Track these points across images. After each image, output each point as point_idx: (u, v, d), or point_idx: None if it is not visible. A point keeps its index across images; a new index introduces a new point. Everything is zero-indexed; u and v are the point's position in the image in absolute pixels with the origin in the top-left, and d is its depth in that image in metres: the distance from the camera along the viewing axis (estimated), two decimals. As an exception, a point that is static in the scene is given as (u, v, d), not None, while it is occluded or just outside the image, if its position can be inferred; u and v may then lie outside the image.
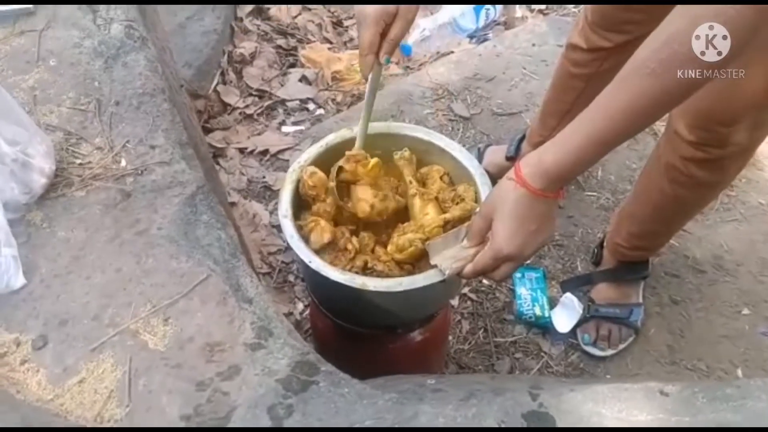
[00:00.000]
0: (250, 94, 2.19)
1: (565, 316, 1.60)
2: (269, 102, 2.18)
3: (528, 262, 1.67)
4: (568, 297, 1.62)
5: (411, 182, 1.05)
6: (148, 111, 1.08)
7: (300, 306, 1.67)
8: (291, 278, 1.72)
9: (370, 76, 0.99)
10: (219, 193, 1.35)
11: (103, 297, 0.87)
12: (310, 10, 2.50)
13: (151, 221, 0.95)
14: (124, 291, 0.88)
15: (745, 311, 1.61)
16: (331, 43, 2.42)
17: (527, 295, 1.63)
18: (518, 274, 1.66)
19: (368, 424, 0.76)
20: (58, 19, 1.19)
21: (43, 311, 0.87)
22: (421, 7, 2.51)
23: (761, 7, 0.65)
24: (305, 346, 0.86)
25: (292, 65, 2.31)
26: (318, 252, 0.98)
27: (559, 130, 0.81)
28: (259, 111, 2.15)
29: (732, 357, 1.54)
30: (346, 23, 2.50)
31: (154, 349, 0.83)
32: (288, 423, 0.76)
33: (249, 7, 2.40)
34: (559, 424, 0.75)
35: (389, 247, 1.00)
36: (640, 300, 1.60)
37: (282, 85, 2.23)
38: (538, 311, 1.60)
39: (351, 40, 2.44)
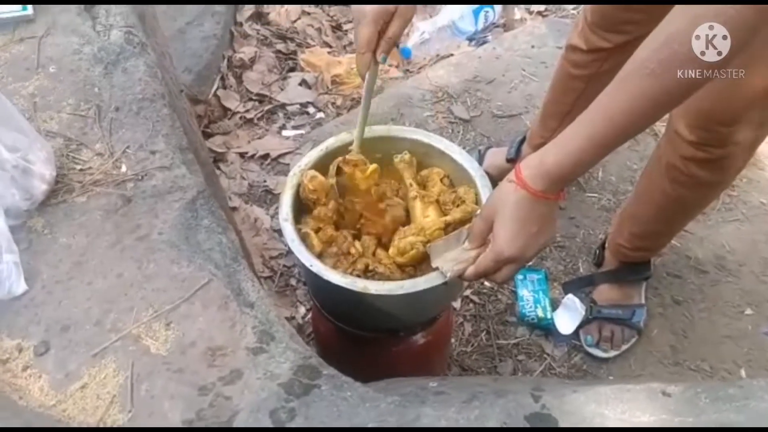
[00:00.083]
0: (250, 99, 2.19)
1: (568, 317, 1.60)
2: (269, 106, 2.18)
3: (530, 263, 1.66)
4: (571, 298, 1.62)
5: (411, 185, 1.05)
6: (148, 116, 1.08)
7: (302, 310, 1.66)
8: (293, 282, 1.72)
9: (366, 75, 0.99)
10: (219, 197, 1.35)
11: (105, 302, 0.87)
12: (309, 14, 2.50)
13: (152, 226, 0.95)
14: (125, 296, 0.88)
15: (748, 311, 1.61)
16: (330, 46, 2.42)
17: (529, 296, 1.63)
18: (520, 276, 1.66)
19: (371, 426, 0.75)
20: (57, 26, 1.19)
21: (45, 317, 0.87)
22: (420, 9, 2.52)
23: (761, 7, 0.65)
24: (307, 349, 0.86)
25: (292, 69, 2.32)
26: (319, 256, 0.98)
27: (559, 131, 0.81)
28: (259, 115, 2.15)
29: (735, 357, 1.54)
30: (345, 27, 2.50)
31: (156, 354, 0.83)
32: (290, 426, 0.76)
33: (248, 12, 2.41)
34: (562, 426, 0.75)
35: (390, 250, 1.00)
36: (643, 301, 1.60)
37: (282, 90, 2.23)
38: (540, 313, 1.60)
39: (350, 43, 2.44)
